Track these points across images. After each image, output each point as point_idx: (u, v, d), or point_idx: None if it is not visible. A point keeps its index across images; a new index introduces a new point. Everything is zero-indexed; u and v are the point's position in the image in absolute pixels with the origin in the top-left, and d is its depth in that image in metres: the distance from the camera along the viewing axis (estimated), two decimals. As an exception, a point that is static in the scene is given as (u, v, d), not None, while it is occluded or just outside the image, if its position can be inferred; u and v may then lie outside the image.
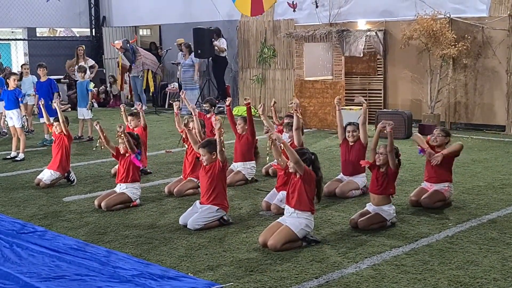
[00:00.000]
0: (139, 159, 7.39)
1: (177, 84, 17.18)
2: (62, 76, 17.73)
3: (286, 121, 8.36)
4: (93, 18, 20.03)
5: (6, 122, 11.62)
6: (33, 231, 6.16)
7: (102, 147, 7.52)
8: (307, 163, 5.78)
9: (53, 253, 5.49)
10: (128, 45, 16.58)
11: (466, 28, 12.14)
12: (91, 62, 16.28)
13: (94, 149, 9.05)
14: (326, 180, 7.67)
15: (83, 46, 16.61)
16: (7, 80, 10.65)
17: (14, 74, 11.14)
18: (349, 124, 7.73)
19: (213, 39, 15.76)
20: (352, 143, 7.58)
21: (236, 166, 8.45)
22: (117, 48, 17.08)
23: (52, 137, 9.22)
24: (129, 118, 9.18)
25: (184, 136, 8.12)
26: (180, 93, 9.99)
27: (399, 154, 6.40)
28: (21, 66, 14.00)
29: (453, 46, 11.70)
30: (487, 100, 12.29)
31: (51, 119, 8.89)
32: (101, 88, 18.17)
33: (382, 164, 6.27)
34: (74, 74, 14.95)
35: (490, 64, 12.11)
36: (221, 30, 16.18)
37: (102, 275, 4.98)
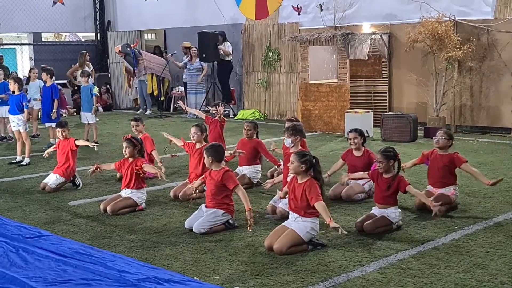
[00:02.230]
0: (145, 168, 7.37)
1: (182, 88, 17.19)
2: (66, 81, 17.76)
3: (287, 125, 8.31)
4: (98, 22, 20.10)
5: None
6: (38, 236, 6.16)
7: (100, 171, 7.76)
8: (308, 165, 5.77)
9: (59, 257, 5.48)
10: (128, 49, 16.58)
11: (471, 31, 12.12)
12: (91, 66, 16.35)
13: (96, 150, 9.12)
14: (331, 183, 7.67)
15: (86, 51, 16.67)
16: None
17: (17, 78, 11.13)
18: (350, 131, 7.73)
19: (218, 43, 15.78)
20: (359, 155, 7.57)
21: (241, 170, 8.44)
22: (116, 53, 17.12)
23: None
24: (132, 123, 9.16)
25: (183, 143, 8.18)
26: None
27: (399, 158, 6.37)
28: (30, 70, 14.04)
29: (458, 49, 11.67)
30: (492, 103, 12.25)
31: (53, 125, 8.86)
32: (102, 87, 18.12)
33: (385, 171, 6.26)
34: (77, 79, 15.01)
35: (496, 67, 12.07)
36: (226, 34, 16.20)
37: (108, 279, 4.97)
